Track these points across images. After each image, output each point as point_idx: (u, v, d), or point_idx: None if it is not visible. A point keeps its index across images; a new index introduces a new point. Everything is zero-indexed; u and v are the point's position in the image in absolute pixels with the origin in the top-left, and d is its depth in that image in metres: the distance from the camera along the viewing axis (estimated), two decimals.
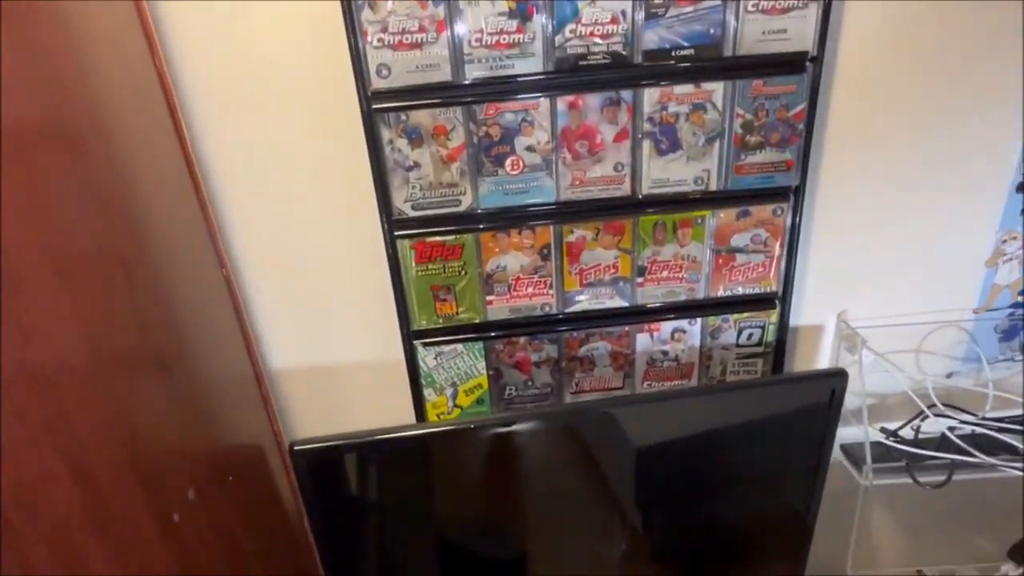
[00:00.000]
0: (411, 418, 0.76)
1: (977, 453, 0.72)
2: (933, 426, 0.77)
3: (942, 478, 0.74)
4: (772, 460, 0.74)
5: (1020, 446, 0.72)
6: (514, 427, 0.65)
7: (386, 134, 0.61)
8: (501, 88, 0.60)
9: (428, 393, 0.75)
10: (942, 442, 0.74)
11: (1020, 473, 0.71)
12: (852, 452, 0.79)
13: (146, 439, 0.47)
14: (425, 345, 0.72)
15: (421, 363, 0.72)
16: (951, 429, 0.75)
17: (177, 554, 0.45)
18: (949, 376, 0.81)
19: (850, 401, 0.82)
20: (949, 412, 0.77)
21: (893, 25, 0.63)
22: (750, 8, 0.58)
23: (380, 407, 0.76)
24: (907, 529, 0.93)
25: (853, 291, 0.77)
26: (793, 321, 0.77)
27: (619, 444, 0.69)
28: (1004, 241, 0.73)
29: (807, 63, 0.61)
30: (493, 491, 0.72)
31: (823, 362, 0.80)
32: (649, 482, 0.71)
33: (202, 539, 0.50)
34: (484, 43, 0.58)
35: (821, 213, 0.71)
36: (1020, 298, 0.76)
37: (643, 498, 0.73)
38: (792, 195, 0.67)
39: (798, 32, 0.60)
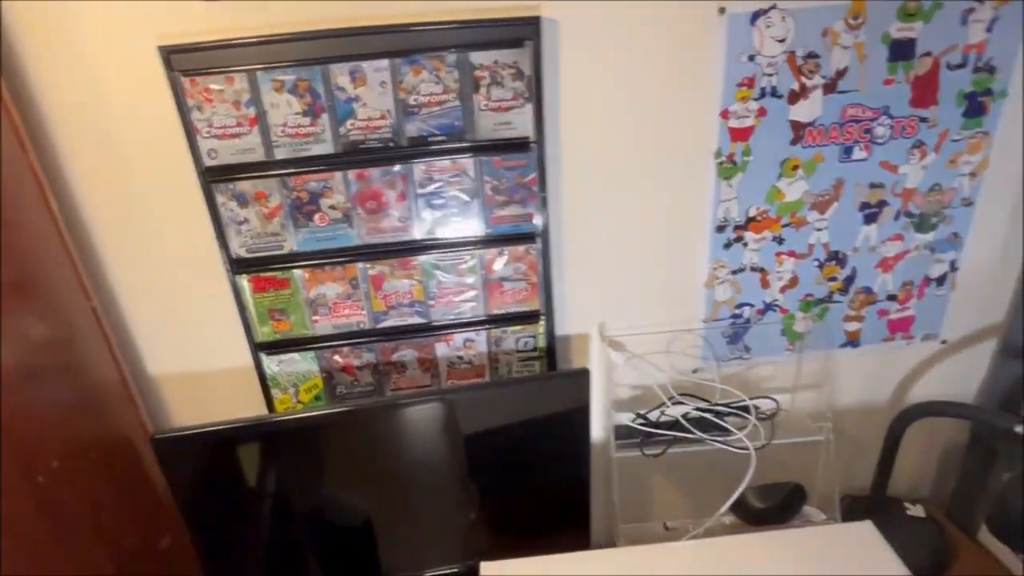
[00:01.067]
0: (264, 412, 0.96)
1: (695, 431, 0.95)
2: (680, 410, 1.00)
3: (678, 449, 0.97)
4: (550, 439, 0.96)
5: (729, 427, 0.94)
6: (334, 416, 0.86)
7: (219, 198, 0.82)
8: (305, 165, 0.82)
9: (276, 392, 0.95)
10: (673, 424, 0.97)
11: (731, 447, 0.94)
12: (627, 432, 1.01)
13: (21, 421, 0.67)
14: (268, 354, 0.92)
15: (267, 369, 0.93)
16: (684, 415, 0.98)
17: (39, 503, 0.65)
18: (695, 371, 1.04)
19: (620, 392, 1.04)
20: (686, 400, 1.00)
21: (601, 114, 0.85)
22: (482, 107, 0.80)
23: (240, 404, 0.96)
24: (665, 490, 1.16)
25: (613, 307, 0.99)
26: (565, 331, 0.99)
27: (426, 428, 0.91)
28: (715, 268, 0.96)
29: (531, 144, 0.83)
30: (326, 469, 0.92)
31: (594, 362, 1.02)
32: (450, 459, 0.92)
33: (64, 498, 0.70)
34: (287, 133, 0.79)
35: (569, 249, 0.93)
36: (735, 311, 0.99)
37: (449, 473, 0.94)
38: (538, 238, 0.89)
39: (520, 123, 0.82)
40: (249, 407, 0.96)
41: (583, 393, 0.92)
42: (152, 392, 0.96)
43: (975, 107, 0.88)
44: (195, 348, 0.94)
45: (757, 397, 1.00)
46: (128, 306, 0.90)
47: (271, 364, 0.93)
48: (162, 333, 0.93)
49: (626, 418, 1.01)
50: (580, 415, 0.93)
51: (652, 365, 1.02)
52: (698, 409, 0.99)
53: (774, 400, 0.99)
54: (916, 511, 1.10)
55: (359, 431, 0.88)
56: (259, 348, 0.92)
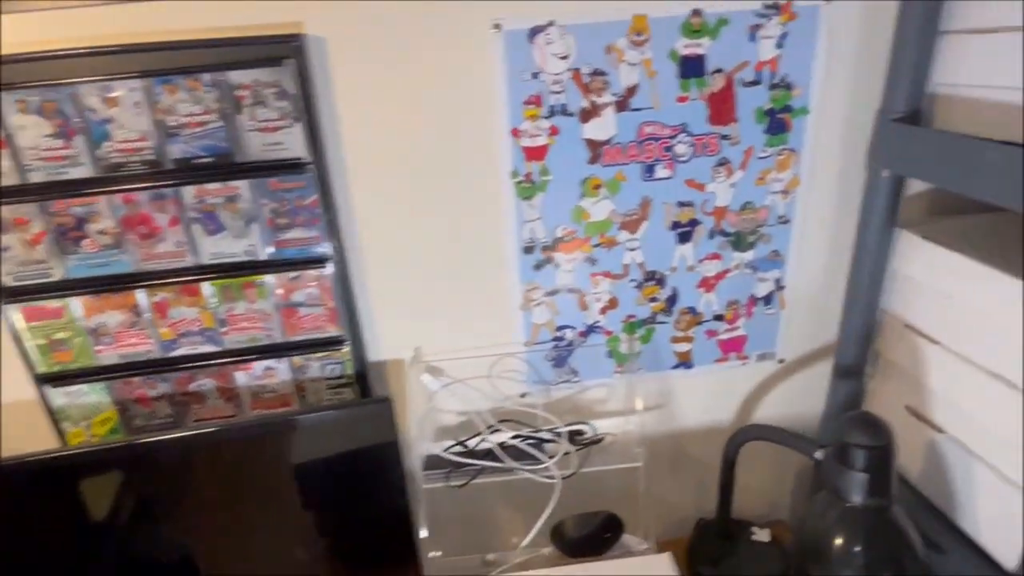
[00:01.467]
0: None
1: (506, 459, 0.91)
2: (500, 438, 0.97)
3: (487, 480, 0.93)
4: (365, 471, 0.92)
5: (538, 455, 0.91)
6: (116, 450, 0.82)
7: None
8: (65, 189, 0.78)
9: (67, 426, 0.91)
10: (487, 453, 0.94)
11: (537, 476, 0.90)
12: (436, 462, 0.97)
13: None
14: (54, 386, 0.88)
15: (53, 402, 0.89)
16: (502, 443, 0.95)
17: None
18: (523, 396, 1.01)
19: (446, 419, 1.01)
20: (508, 427, 0.97)
21: (387, 133, 0.82)
22: (248, 128, 0.77)
23: (30, 440, 0.91)
24: (489, 522, 1.12)
25: (431, 331, 0.95)
26: (380, 356, 0.95)
27: (231, 460, 0.86)
28: (528, 290, 0.93)
29: (307, 165, 0.80)
30: (120, 505, 0.88)
31: (411, 388, 0.98)
32: (264, 492, 0.88)
33: None
34: (40, 156, 0.76)
35: (374, 272, 0.90)
36: (556, 333, 0.96)
37: (264, 505, 0.90)
38: (329, 262, 0.85)
39: (292, 143, 0.78)
40: (40, 443, 0.91)
41: (388, 422, 0.88)
42: None
43: (777, 124, 0.87)
44: None
45: (575, 423, 0.97)
46: None
47: (57, 396, 0.88)
48: None
49: (449, 446, 0.97)
50: (390, 445, 0.89)
51: (476, 391, 0.99)
52: (519, 436, 0.96)
53: (588, 424, 0.96)
54: (762, 535, 1.07)
55: (154, 463, 0.84)
56: (42, 380, 0.87)
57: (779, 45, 0.82)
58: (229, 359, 0.89)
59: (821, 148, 0.89)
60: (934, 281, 0.81)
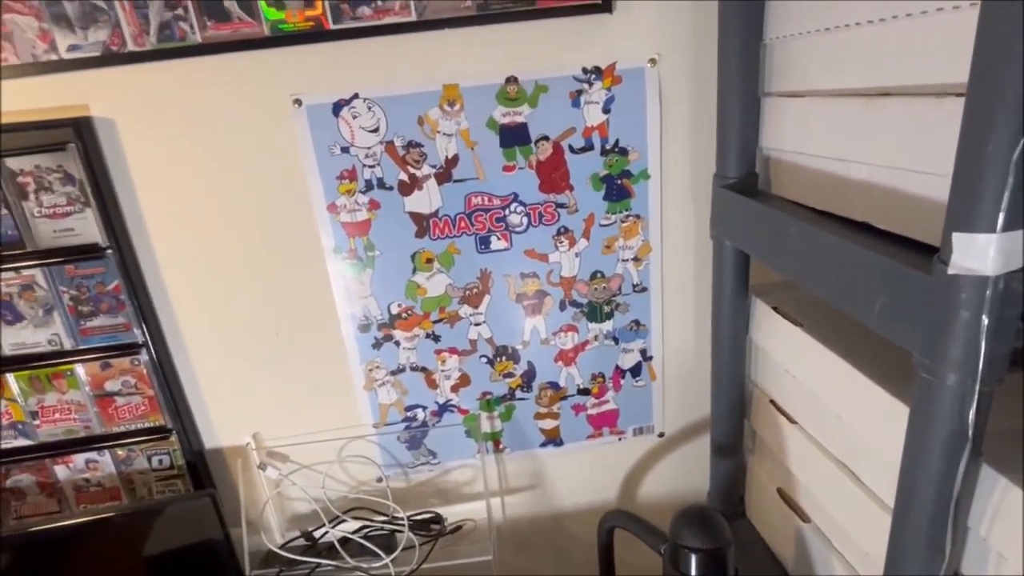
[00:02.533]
0: None
1: (343, 554, 0.84)
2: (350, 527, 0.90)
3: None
4: (201, 568, 0.86)
5: (376, 550, 0.84)
6: None
7: None
8: None
9: None
10: (328, 549, 0.86)
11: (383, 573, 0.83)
12: (271, 558, 0.90)
13: None
14: None
15: None
16: (346, 536, 0.88)
17: None
18: (380, 480, 0.94)
19: (295, 506, 0.94)
20: (359, 516, 0.90)
21: (194, 215, 0.78)
22: (36, 214, 0.73)
23: None
24: None
25: (272, 416, 0.90)
26: (216, 443, 0.89)
27: (50, 563, 0.80)
28: (370, 370, 0.87)
29: (105, 250, 0.75)
30: None
31: (251, 475, 0.91)
32: None
33: None
34: None
35: (201, 358, 0.84)
36: (406, 413, 0.90)
37: None
38: (143, 349, 0.80)
39: (84, 229, 0.74)
40: None
41: (212, 516, 0.81)
42: None
43: (617, 190, 0.81)
44: None
45: (428, 511, 0.90)
46: None
47: None
48: None
49: (287, 541, 0.90)
50: (219, 541, 0.83)
51: (330, 477, 0.92)
52: (367, 526, 0.89)
53: (436, 515, 0.89)
54: None
55: None
56: None
57: (606, 110, 0.78)
58: (45, 453, 0.84)
59: (670, 213, 0.84)
60: (786, 356, 0.74)
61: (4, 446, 0.83)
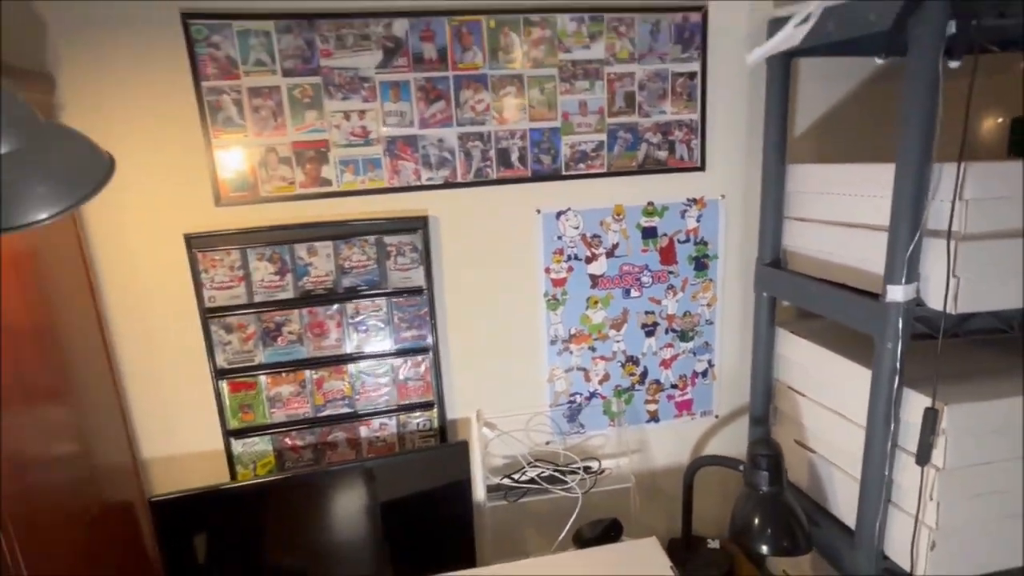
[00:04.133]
0: None
1: (543, 484, 1.35)
2: (537, 471, 1.41)
3: (533, 498, 1.36)
4: (445, 494, 1.33)
5: (571, 483, 1.36)
6: (280, 482, 1.22)
7: (213, 327, 1.22)
8: (274, 306, 1.24)
9: (239, 469, 1.30)
10: (530, 481, 1.38)
11: (573, 494, 1.35)
12: (490, 488, 1.39)
13: (39, 495, 1.00)
14: (236, 439, 1.28)
15: (234, 450, 1.28)
16: (539, 474, 1.39)
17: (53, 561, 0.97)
18: (548, 443, 1.46)
19: (495, 461, 1.44)
20: (541, 464, 1.41)
21: (469, 271, 1.33)
22: (392, 269, 1.27)
23: (211, 480, 1.29)
24: (532, 532, 1.53)
25: (488, 398, 1.42)
26: (454, 415, 1.40)
27: (350, 489, 1.27)
28: (552, 369, 1.42)
29: (423, 290, 1.29)
30: (278, 527, 1.25)
31: (474, 437, 1.42)
32: (372, 512, 1.27)
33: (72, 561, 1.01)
34: (263, 285, 1.22)
35: (454, 358, 1.37)
36: (570, 398, 1.45)
37: (371, 523, 1.29)
38: (430, 351, 1.33)
39: (416, 277, 1.28)
40: (218, 481, 1.29)
41: (464, 458, 1.32)
42: (143, 471, 1.28)
43: (700, 265, 1.44)
44: (182, 436, 1.28)
45: (586, 460, 1.43)
46: (134, 405, 1.25)
47: (237, 446, 1.28)
48: (157, 424, 1.27)
49: (502, 478, 1.41)
50: (464, 475, 1.32)
51: (516, 439, 1.44)
52: (548, 469, 1.41)
53: (598, 461, 1.43)
54: (714, 544, 1.51)
55: (299, 493, 1.24)
56: (230, 434, 1.27)
57: (698, 220, 1.41)
58: (358, 418, 1.32)
59: (728, 279, 1.46)
60: (798, 359, 1.35)
61: (334, 413, 1.31)
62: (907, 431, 1.08)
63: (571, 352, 1.42)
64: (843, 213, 1.17)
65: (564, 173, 1.32)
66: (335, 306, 1.26)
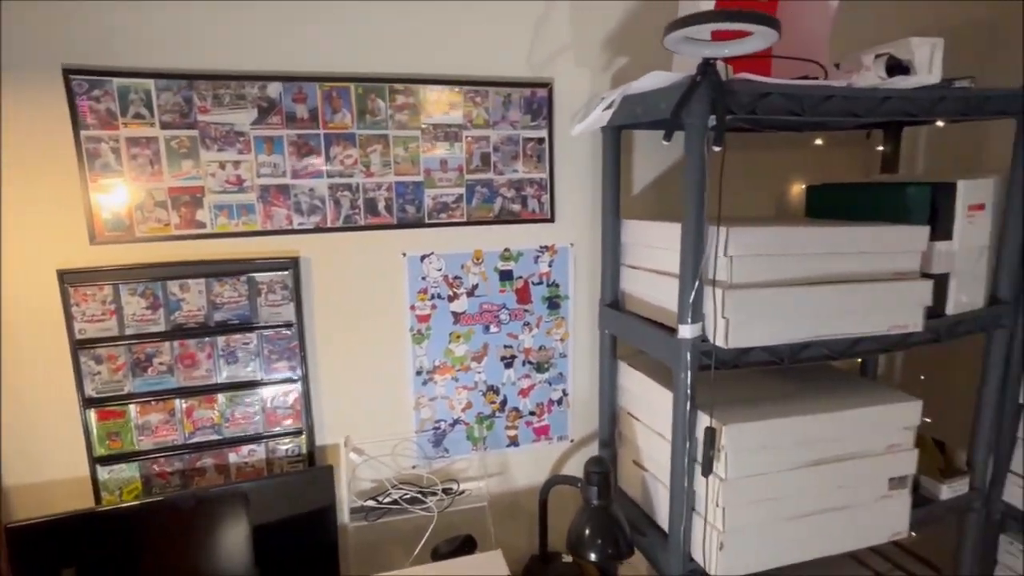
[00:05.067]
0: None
1: (403, 504, 1.47)
2: (399, 493, 1.53)
3: (393, 518, 1.47)
4: (311, 517, 1.42)
5: (429, 503, 1.48)
6: (140, 507, 1.28)
7: (81, 357, 1.29)
8: (146, 338, 1.32)
9: (104, 495, 1.34)
10: (393, 502, 1.49)
11: (430, 513, 1.47)
12: (354, 510, 1.50)
13: None
14: (103, 465, 1.33)
15: (100, 476, 1.33)
16: (401, 496, 1.51)
17: None
18: (414, 467, 1.58)
19: (360, 484, 1.54)
20: (404, 487, 1.53)
21: (338, 307, 1.46)
22: (263, 305, 1.38)
23: (76, 506, 1.33)
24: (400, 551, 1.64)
25: (358, 425, 1.53)
26: (324, 441, 1.50)
27: (221, 515, 1.34)
28: (418, 398, 1.55)
29: (293, 325, 1.41)
30: (140, 553, 1.30)
31: (342, 463, 1.52)
32: (239, 536, 1.34)
33: None
34: (135, 319, 1.31)
35: (325, 388, 1.48)
36: (435, 424, 1.58)
37: (238, 547, 1.35)
38: (299, 382, 1.43)
39: (287, 312, 1.40)
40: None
41: (329, 482, 1.42)
42: (5, 499, 1.30)
43: (553, 304, 1.63)
44: (47, 463, 1.32)
45: (451, 481, 1.56)
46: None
47: (104, 473, 1.33)
48: (21, 452, 1.30)
49: (347, 500, 1.51)
50: (329, 497, 1.42)
51: (383, 464, 1.55)
52: (411, 491, 1.52)
53: (457, 483, 1.56)
54: (567, 558, 1.66)
55: (163, 518, 1.30)
56: (96, 461, 1.32)
57: (550, 265, 1.60)
58: (227, 445, 1.40)
59: (579, 317, 1.66)
60: (633, 387, 1.55)
61: (203, 440, 1.38)
62: (700, 447, 1.27)
63: (435, 382, 1.56)
64: (655, 262, 1.39)
65: (427, 221, 1.48)
66: (207, 339, 1.36)
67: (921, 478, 1.60)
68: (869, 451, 1.36)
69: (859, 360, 1.90)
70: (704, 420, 1.27)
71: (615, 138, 1.49)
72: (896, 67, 1.18)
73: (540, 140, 1.53)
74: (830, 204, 1.64)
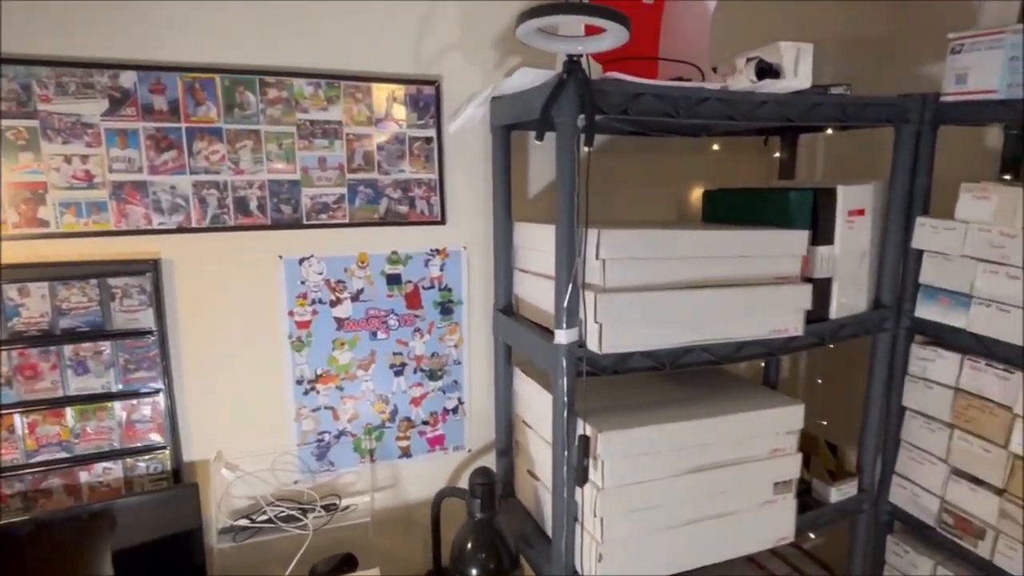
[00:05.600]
0: None
1: (277, 523, 1.38)
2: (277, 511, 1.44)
3: (268, 537, 1.38)
4: (179, 539, 1.32)
5: (305, 520, 1.40)
6: None
7: None
8: None
9: None
10: (268, 520, 1.40)
11: (306, 531, 1.38)
12: (228, 529, 1.40)
13: None
14: None
15: None
16: (277, 514, 1.42)
17: None
18: (296, 482, 1.50)
19: (234, 502, 1.45)
20: (281, 504, 1.44)
21: (210, 312, 1.37)
22: (117, 310, 1.28)
23: None
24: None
25: (233, 438, 1.43)
26: (192, 457, 1.40)
27: (72, 541, 1.22)
28: (300, 408, 1.47)
29: (154, 332, 1.31)
30: None
31: (214, 479, 1.42)
32: (96, 562, 1.23)
33: None
34: None
35: (193, 398, 1.38)
36: (318, 436, 1.50)
37: (95, 573, 1.24)
38: (162, 393, 1.33)
39: (145, 319, 1.30)
40: None
41: (194, 501, 1.32)
42: None
43: (446, 309, 1.57)
44: None
45: (333, 496, 1.48)
46: None
47: None
48: None
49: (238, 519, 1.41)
50: (195, 518, 1.32)
51: (260, 480, 1.46)
52: (287, 509, 1.44)
53: (339, 498, 1.49)
54: None
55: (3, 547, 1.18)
56: None
57: (442, 268, 1.55)
58: (78, 463, 1.29)
59: (474, 322, 1.61)
60: (526, 395, 1.51)
61: (48, 458, 1.26)
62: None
63: (318, 392, 1.48)
64: (540, 265, 1.35)
65: (306, 222, 1.40)
66: (51, 348, 1.24)
67: (814, 481, 1.62)
68: (752, 456, 1.35)
69: (762, 364, 1.91)
70: (588, 427, 1.23)
71: (504, 138, 1.45)
72: (766, 70, 1.18)
73: (428, 139, 1.48)
74: (724, 209, 1.64)
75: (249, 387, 1.43)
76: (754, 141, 1.84)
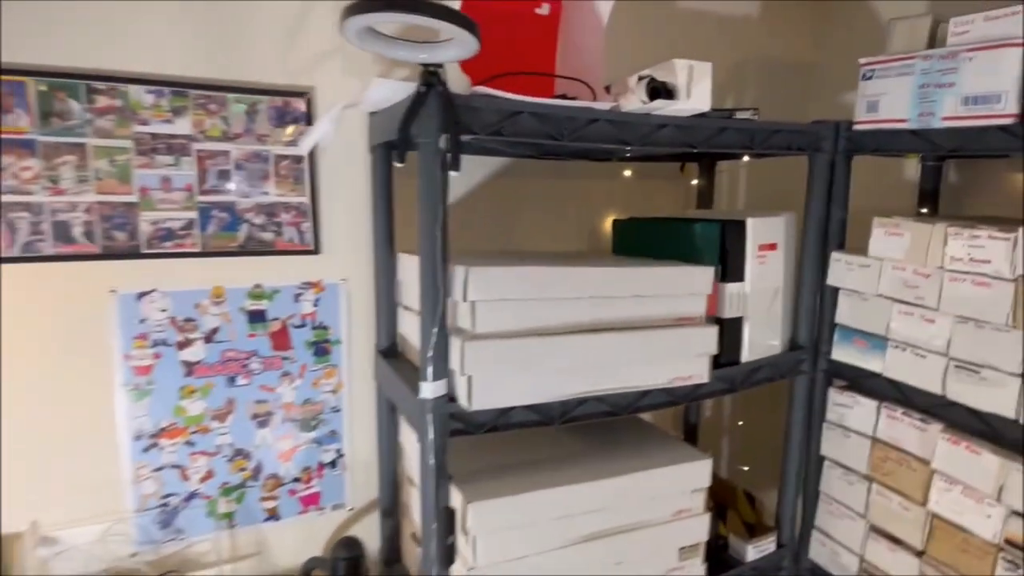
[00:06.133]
0: None
1: None
2: None
3: None
4: None
5: None
6: None
7: None
8: None
9: None
10: None
11: None
12: None
13: None
14: None
15: None
16: None
17: None
18: (133, 556, 1.27)
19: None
20: None
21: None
22: None
23: None
24: None
25: (51, 506, 1.21)
26: (0, 529, 1.17)
27: None
28: (139, 468, 1.26)
29: None
30: None
31: (28, 556, 1.19)
32: None
33: None
34: None
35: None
36: (162, 500, 1.29)
37: None
38: None
39: None
40: None
41: None
42: None
43: (321, 350, 1.39)
44: None
45: (174, 570, 1.26)
46: None
47: None
48: None
49: None
50: None
51: (89, 554, 1.23)
52: None
53: (184, 573, 1.27)
54: None
55: None
56: None
57: (316, 304, 1.36)
58: None
59: (355, 364, 1.42)
60: (409, 448, 1.33)
61: None
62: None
63: (162, 448, 1.27)
64: (415, 302, 1.19)
65: (146, 251, 1.21)
66: None
67: (730, 536, 1.48)
68: (653, 520, 1.20)
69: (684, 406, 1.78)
70: (458, 496, 1.06)
71: (384, 157, 1.29)
72: (659, 90, 1.05)
73: (298, 159, 1.30)
74: (633, 240, 1.51)
75: (73, 444, 1.20)
76: (672, 167, 1.73)
